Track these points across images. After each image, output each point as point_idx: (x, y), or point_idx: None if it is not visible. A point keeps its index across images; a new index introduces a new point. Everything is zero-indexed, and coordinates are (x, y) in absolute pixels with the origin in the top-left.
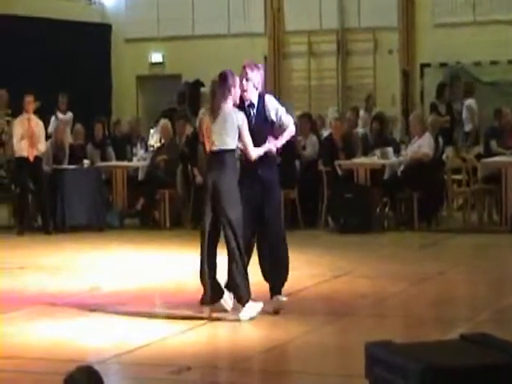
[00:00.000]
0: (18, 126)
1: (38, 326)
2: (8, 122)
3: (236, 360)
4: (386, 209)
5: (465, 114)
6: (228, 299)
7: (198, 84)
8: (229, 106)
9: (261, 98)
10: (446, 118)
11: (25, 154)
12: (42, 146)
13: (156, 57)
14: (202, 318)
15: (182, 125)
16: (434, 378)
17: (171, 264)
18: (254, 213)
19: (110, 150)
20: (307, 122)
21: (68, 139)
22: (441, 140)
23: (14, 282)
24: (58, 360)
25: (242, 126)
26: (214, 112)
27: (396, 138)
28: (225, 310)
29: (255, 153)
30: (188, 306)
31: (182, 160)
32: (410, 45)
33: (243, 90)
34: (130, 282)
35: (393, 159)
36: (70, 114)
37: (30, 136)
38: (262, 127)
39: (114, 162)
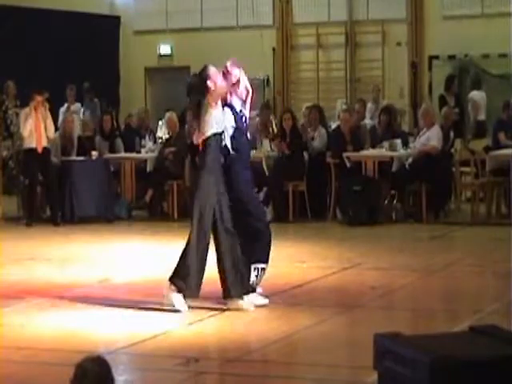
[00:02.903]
0: (26, 118)
1: (47, 317)
2: (16, 113)
3: (245, 351)
4: (395, 201)
5: (469, 106)
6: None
7: None
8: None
9: None
10: (455, 111)
11: (33, 145)
12: (51, 134)
13: (164, 49)
14: (210, 309)
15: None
16: (443, 369)
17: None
18: None
19: (119, 142)
20: (316, 114)
21: (76, 131)
22: (452, 133)
23: (23, 273)
24: (67, 350)
25: None
26: None
27: (404, 130)
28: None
29: None
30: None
31: (190, 151)
32: (418, 37)
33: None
34: (139, 273)
35: (401, 151)
36: (77, 105)
37: (38, 127)
38: None
39: (122, 154)
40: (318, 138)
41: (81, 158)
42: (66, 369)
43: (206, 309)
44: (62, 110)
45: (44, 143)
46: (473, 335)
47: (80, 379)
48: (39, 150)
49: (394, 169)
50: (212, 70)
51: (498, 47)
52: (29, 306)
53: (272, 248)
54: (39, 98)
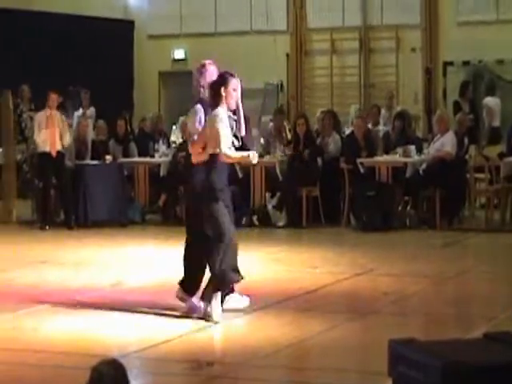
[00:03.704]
0: (40, 121)
1: (60, 321)
2: (31, 117)
3: (257, 356)
4: (408, 207)
5: (484, 113)
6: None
7: None
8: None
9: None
10: (470, 117)
11: (47, 149)
12: (66, 141)
13: (178, 53)
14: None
15: None
16: (456, 374)
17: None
18: None
19: (133, 146)
20: (330, 119)
21: (90, 135)
22: (466, 139)
23: (36, 277)
24: (81, 354)
25: None
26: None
27: (418, 136)
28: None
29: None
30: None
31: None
32: (432, 43)
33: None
34: (152, 277)
35: (415, 157)
36: (92, 110)
37: (52, 131)
38: None
39: (136, 158)
40: (332, 144)
41: (95, 162)
42: (80, 372)
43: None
44: (77, 114)
45: (58, 147)
46: (487, 342)
47: (95, 382)
48: (53, 153)
49: (407, 175)
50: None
51: None
52: (42, 309)
53: (285, 253)
54: (54, 96)
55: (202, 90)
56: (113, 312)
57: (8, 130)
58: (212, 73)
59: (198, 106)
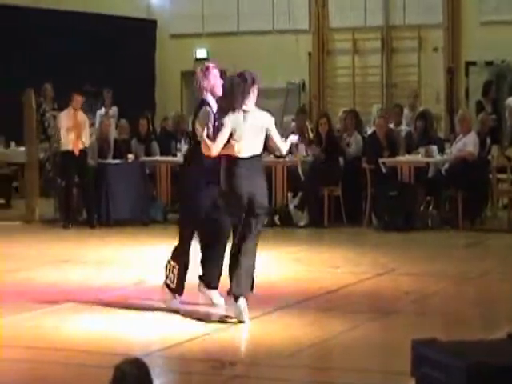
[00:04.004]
0: (64, 120)
1: (83, 319)
2: (53, 116)
3: (279, 356)
4: (430, 207)
5: (506, 113)
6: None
7: None
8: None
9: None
10: (492, 117)
11: (70, 147)
12: (87, 139)
13: (200, 52)
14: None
15: None
16: (480, 375)
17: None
18: None
19: (155, 145)
20: (352, 119)
21: (113, 134)
22: (488, 139)
23: (58, 275)
24: (103, 353)
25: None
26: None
27: (440, 136)
28: None
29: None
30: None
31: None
32: (455, 43)
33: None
34: None
35: (437, 157)
36: (114, 109)
37: (75, 130)
38: None
39: (158, 157)
40: (354, 144)
41: (117, 161)
42: (102, 370)
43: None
44: (100, 113)
45: (81, 146)
46: (510, 342)
47: (119, 381)
48: (76, 152)
49: (429, 175)
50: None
51: None
52: (65, 307)
53: (307, 252)
54: (78, 98)
55: (204, 92)
56: (135, 311)
57: (31, 128)
58: (215, 76)
59: (208, 110)
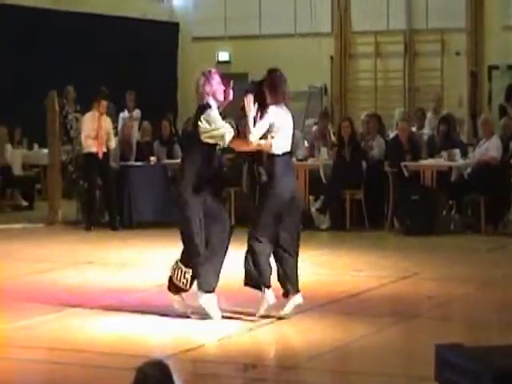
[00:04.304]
0: (88, 123)
1: (104, 321)
2: (76, 118)
3: (300, 359)
4: (453, 211)
5: None
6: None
7: None
8: None
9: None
10: None
11: (93, 150)
12: (113, 143)
13: (223, 55)
14: (267, 317)
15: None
16: (507, 382)
17: (237, 262)
18: None
19: (177, 148)
20: (375, 123)
21: (135, 136)
22: (511, 144)
23: (81, 277)
24: (124, 354)
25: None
26: None
27: (463, 140)
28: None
29: None
30: (254, 304)
31: (247, 158)
32: (478, 47)
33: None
34: None
35: (460, 161)
36: (137, 112)
37: (98, 132)
38: None
39: (180, 160)
40: (376, 147)
41: (139, 163)
42: (123, 373)
43: (264, 316)
44: (122, 115)
45: (104, 148)
46: None
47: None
48: (100, 154)
49: (452, 179)
50: None
51: None
52: (86, 309)
53: (328, 256)
54: (104, 103)
55: (206, 96)
56: (157, 313)
57: (54, 131)
58: (218, 81)
59: (217, 114)
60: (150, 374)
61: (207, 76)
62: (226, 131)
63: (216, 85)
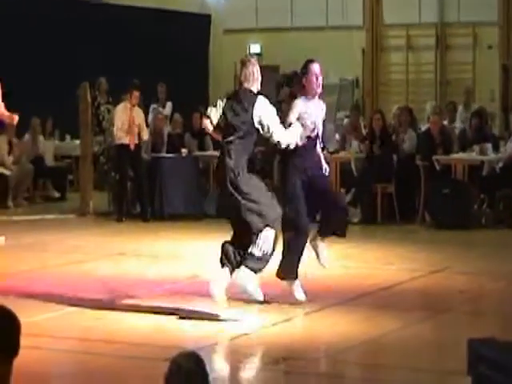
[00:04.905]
0: (120, 114)
1: (137, 313)
2: (108, 109)
3: (330, 352)
4: (484, 205)
5: None
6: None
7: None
8: None
9: None
10: None
11: (125, 141)
12: (146, 135)
13: (254, 47)
14: (295, 310)
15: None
16: None
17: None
18: None
19: (208, 140)
20: (406, 116)
21: (166, 128)
22: None
23: (114, 268)
24: (157, 346)
25: None
26: None
27: (495, 133)
28: None
29: None
30: (284, 297)
31: (279, 151)
32: (510, 40)
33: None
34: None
35: (492, 155)
36: (169, 104)
37: (131, 124)
38: None
39: (211, 152)
40: (408, 140)
41: (170, 155)
42: (157, 363)
43: (292, 309)
44: (154, 107)
45: (136, 140)
46: None
47: (174, 375)
48: (132, 146)
49: (484, 173)
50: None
51: None
52: (119, 300)
53: (359, 249)
54: (136, 94)
55: (256, 84)
56: (189, 305)
57: (86, 122)
58: (258, 69)
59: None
60: (183, 365)
61: (245, 62)
62: None
63: (257, 72)
